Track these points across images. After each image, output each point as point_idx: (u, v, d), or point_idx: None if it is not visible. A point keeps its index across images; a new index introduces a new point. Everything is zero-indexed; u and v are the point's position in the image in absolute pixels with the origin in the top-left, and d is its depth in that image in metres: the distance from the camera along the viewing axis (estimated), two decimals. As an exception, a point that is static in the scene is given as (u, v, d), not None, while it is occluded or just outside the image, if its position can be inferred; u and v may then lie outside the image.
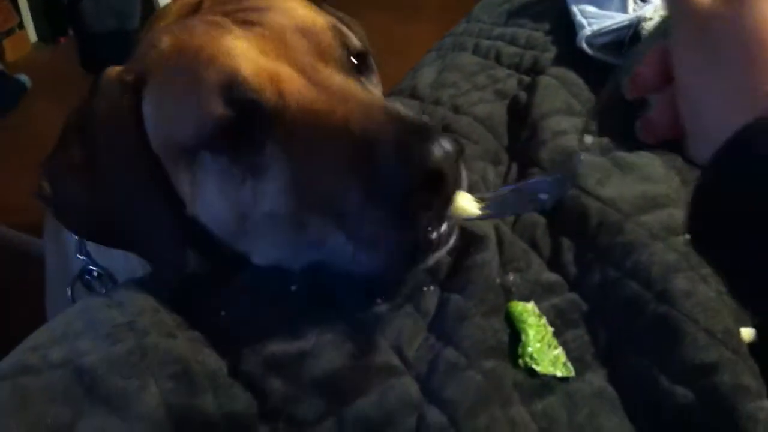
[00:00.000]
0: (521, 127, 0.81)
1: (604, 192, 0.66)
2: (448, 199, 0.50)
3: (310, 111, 0.52)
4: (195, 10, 0.63)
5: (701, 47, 0.38)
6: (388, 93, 0.95)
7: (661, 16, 0.85)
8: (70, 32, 2.54)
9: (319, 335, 0.54)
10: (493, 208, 0.57)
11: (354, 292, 0.57)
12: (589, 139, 0.56)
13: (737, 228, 0.35)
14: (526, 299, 0.58)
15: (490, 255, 0.61)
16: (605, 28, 0.90)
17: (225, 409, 0.50)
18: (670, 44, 0.41)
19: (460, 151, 0.49)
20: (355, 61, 0.60)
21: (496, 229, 0.65)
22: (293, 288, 0.58)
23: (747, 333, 0.54)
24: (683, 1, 0.40)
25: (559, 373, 0.53)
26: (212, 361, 0.53)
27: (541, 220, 0.67)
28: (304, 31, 0.58)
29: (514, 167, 0.77)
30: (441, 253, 0.55)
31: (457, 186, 0.50)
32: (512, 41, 1.01)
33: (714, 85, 0.37)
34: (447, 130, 0.82)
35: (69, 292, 0.72)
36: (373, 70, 0.64)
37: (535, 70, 0.92)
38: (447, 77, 0.95)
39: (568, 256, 0.63)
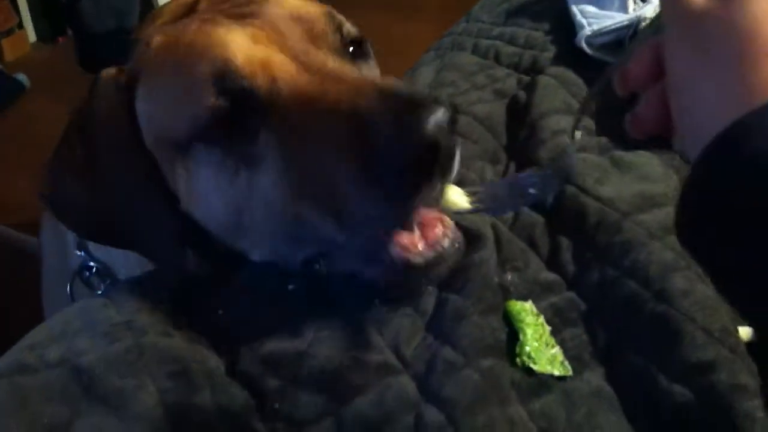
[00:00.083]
0: (520, 126, 0.81)
1: (603, 191, 0.66)
2: (444, 168, 0.49)
3: (303, 95, 0.52)
4: (191, 9, 0.63)
5: (693, 44, 0.39)
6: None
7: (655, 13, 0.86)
8: (69, 32, 2.54)
9: (317, 335, 0.54)
10: (482, 202, 0.56)
11: (352, 292, 0.57)
12: (578, 134, 0.56)
13: (725, 224, 0.35)
14: (524, 298, 0.58)
15: (488, 254, 0.61)
16: (605, 28, 0.90)
17: (223, 408, 0.50)
18: (663, 41, 0.42)
19: (453, 120, 0.48)
20: (352, 48, 0.60)
21: (494, 228, 0.65)
22: (291, 287, 0.58)
23: (745, 332, 0.54)
24: (676, 0, 0.40)
25: (556, 372, 0.53)
26: (210, 360, 0.53)
27: (540, 219, 0.67)
28: (297, 18, 0.58)
29: (513, 166, 0.77)
30: (444, 250, 0.54)
31: (452, 153, 0.49)
32: (511, 41, 1.01)
33: (705, 81, 0.38)
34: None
35: (68, 288, 0.72)
36: (371, 56, 0.64)
37: (534, 69, 0.92)
38: (446, 77, 0.95)
39: (567, 255, 0.63)
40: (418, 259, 0.53)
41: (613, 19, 0.91)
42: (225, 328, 0.56)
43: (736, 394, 0.49)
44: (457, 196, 0.55)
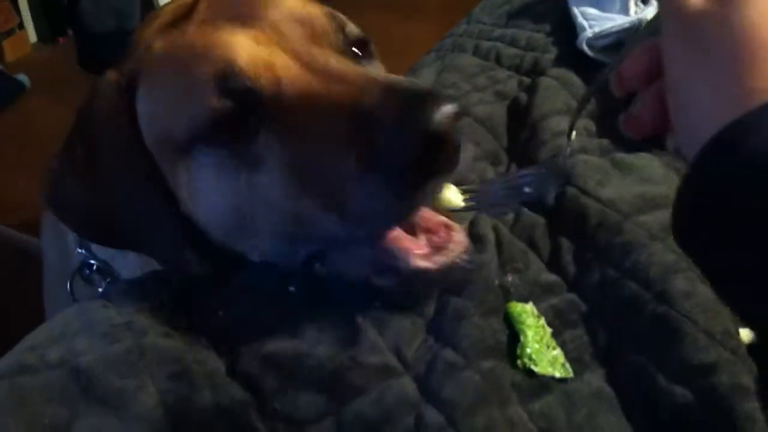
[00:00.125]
0: (521, 128, 0.81)
1: (604, 193, 0.66)
2: (449, 162, 0.48)
3: (306, 94, 0.52)
4: (191, 9, 0.63)
5: (691, 45, 0.39)
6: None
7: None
8: (70, 32, 2.54)
9: (318, 335, 0.54)
10: (477, 200, 0.56)
11: (352, 292, 0.57)
12: (573, 134, 0.56)
13: (721, 225, 0.35)
14: (525, 300, 0.58)
15: (489, 256, 0.61)
16: (606, 30, 0.90)
17: (223, 408, 0.50)
18: (660, 42, 0.42)
19: (459, 114, 0.47)
20: (355, 48, 0.60)
21: (495, 229, 0.65)
22: (292, 289, 0.58)
23: (746, 334, 0.54)
24: (675, 2, 0.41)
25: (557, 374, 0.53)
26: (210, 360, 0.53)
27: (540, 220, 0.67)
28: (298, 19, 0.57)
29: (514, 168, 0.77)
30: (454, 257, 0.53)
31: (457, 148, 0.48)
32: (512, 42, 1.01)
33: (702, 82, 0.38)
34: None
35: (68, 285, 0.72)
36: (375, 56, 0.63)
37: (535, 71, 0.92)
38: (447, 78, 0.95)
39: (567, 256, 0.63)
40: (428, 265, 0.53)
41: (614, 21, 0.91)
42: (225, 328, 0.56)
43: (738, 396, 0.49)
44: (451, 194, 0.55)
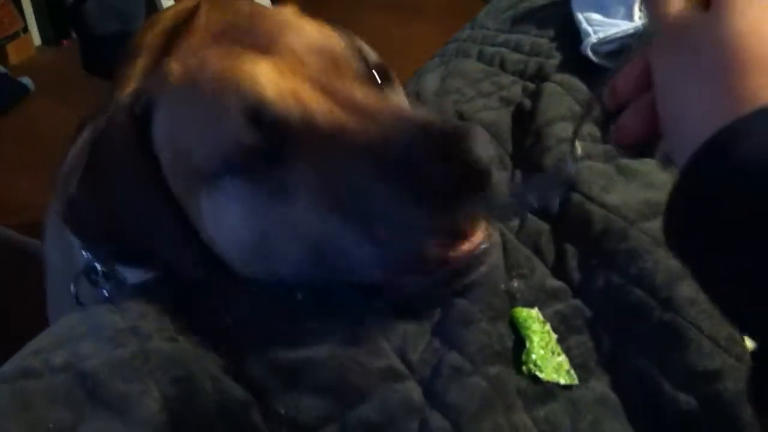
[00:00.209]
0: (525, 133, 0.81)
1: (609, 199, 0.66)
2: (488, 195, 0.49)
3: (337, 129, 0.52)
4: (191, 15, 0.63)
5: (680, 55, 0.40)
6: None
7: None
8: (74, 35, 2.55)
9: (322, 339, 0.54)
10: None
11: (358, 296, 0.57)
12: (579, 146, 0.56)
13: (713, 231, 0.35)
14: (530, 305, 0.58)
15: (495, 260, 0.61)
16: (611, 35, 0.90)
17: (227, 412, 0.50)
18: (650, 52, 0.43)
19: (492, 150, 0.49)
20: (376, 74, 0.60)
21: (501, 234, 0.65)
22: (299, 297, 0.57)
23: (750, 341, 0.54)
24: (663, 11, 0.41)
25: (562, 381, 0.53)
26: (215, 365, 0.53)
27: (545, 226, 0.67)
28: (319, 49, 0.57)
29: (518, 174, 0.77)
30: (484, 269, 0.54)
31: (494, 183, 0.49)
32: (517, 48, 1.01)
33: (692, 90, 0.38)
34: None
35: (73, 289, 0.72)
36: (394, 80, 0.64)
37: (539, 76, 0.92)
38: (451, 84, 0.95)
39: (572, 262, 0.63)
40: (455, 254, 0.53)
41: (619, 27, 0.91)
42: (230, 332, 0.56)
43: (742, 403, 0.49)
44: None
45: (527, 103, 0.86)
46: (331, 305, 0.57)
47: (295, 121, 0.53)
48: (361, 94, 0.55)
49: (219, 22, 0.62)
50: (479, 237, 0.54)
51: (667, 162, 0.46)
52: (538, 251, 0.65)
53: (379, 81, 0.61)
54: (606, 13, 0.95)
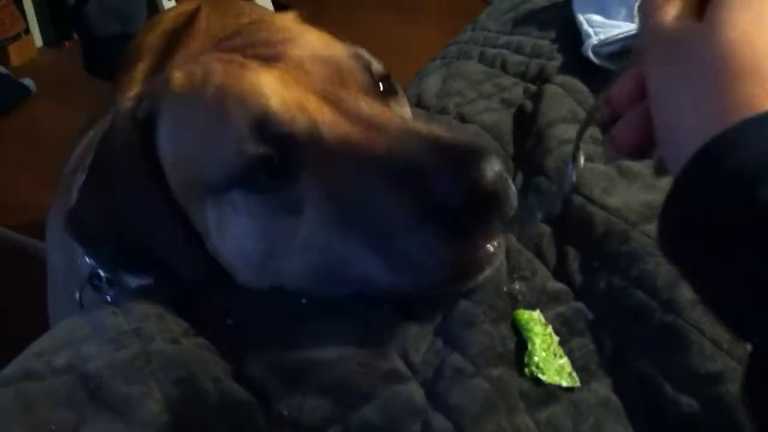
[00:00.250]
0: (527, 135, 0.81)
1: (610, 201, 0.66)
2: (500, 216, 0.50)
3: (346, 142, 0.52)
4: (191, 18, 0.63)
5: (672, 64, 0.40)
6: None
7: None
8: (75, 36, 2.55)
9: (326, 340, 0.54)
10: None
11: (361, 298, 0.57)
12: (582, 158, 0.56)
13: (706, 238, 0.35)
14: (532, 307, 0.58)
15: (499, 260, 0.61)
16: (612, 37, 0.90)
17: (229, 414, 0.50)
18: (644, 61, 0.43)
19: (505, 166, 0.49)
20: (381, 85, 0.60)
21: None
22: (303, 301, 0.58)
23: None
24: (655, 22, 0.42)
25: (564, 383, 0.53)
26: (218, 367, 0.53)
27: (547, 229, 0.67)
28: (323, 60, 0.57)
29: (520, 176, 0.77)
30: (489, 271, 0.54)
31: (506, 200, 0.50)
32: (518, 49, 1.01)
33: (685, 99, 0.39)
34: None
35: (77, 296, 0.72)
36: (398, 91, 0.63)
37: (541, 78, 0.92)
38: (452, 85, 0.95)
39: (574, 265, 0.63)
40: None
41: (620, 28, 0.91)
42: (233, 334, 0.56)
43: (744, 406, 0.49)
44: None
45: (528, 104, 0.86)
46: (334, 306, 0.57)
47: (301, 133, 0.53)
48: (366, 105, 0.54)
49: (220, 26, 0.62)
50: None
51: (659, 171, 0.46)
52: (539, 253, 0.65)
53: (384, 92, 0.60)
54: (607, 14, 0.95)
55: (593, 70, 0.90)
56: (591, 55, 0.90)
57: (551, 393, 0.53)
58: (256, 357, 0.54)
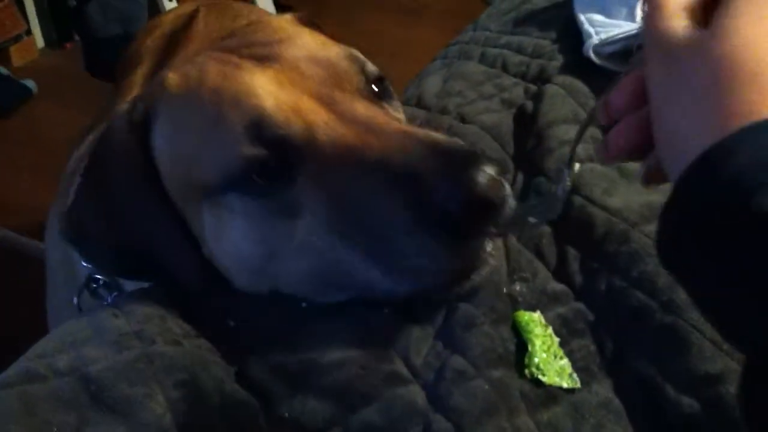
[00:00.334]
0: (527, 136, 0.81)
1: (610, 202, 0.66)
2: (497, 221, 0.50)
3: (342, 144, 0.52)
4: (190, 20, 0.63)
5: (674, 72, 0.40)
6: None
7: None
8: (77, 37, 2.55)
9: (327, 342, 0.54)
10: None
11: (362, 300, 0.57)
12: (577, 165, 0.56)
13: (704, 244, 0.36)
14: (532, 309, 0.58)
15: (498, 263, 0.61)
16: (613, 37, 0.90)
17: (231, 415, 0.50)
18: (645, 69, 0.43)
19: (502, 172, 0.49)
20: (375, 88, 0.60)
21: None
22: (303, 305, 0.58)
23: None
24: (657, 30, 0.42)
25: (565, 385, 0.53)
26: (219, 368, 0.53)
27: (547, 229, 0.67)
28: (318, 61, 0.57)
29: (520, 176, 0.77)
30: (485, 273, 0.54)
31: (504, 205, 0.50)
32: (519, 50, 1.01)
33: (685, 107, 0.39)
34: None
35: (76, 300, 0.72)
36: (393, 94, 0.63)
37: (541, 78, 0.92)
38: (453, 86, 0.95)
39: (574, 265, 0.63)
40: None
41: (621, 28, 0.91)
42: (234, 335, 0.56)
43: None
44: None
45: (529, 105, 0.86)
46: (335, 308, 0.57)
47: (296, 135, 0.53)
48: (362, 107, 0.54)
49: (218, 28, 0.62)
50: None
51: (648, 180, 0.46)
52: (539, 254, 0.65)
53: (380, 95, 0.60)
54: (608, 14, 0.95)
55: (594, 71, 0.89)
56: (592, 55, 0.90)
57: (552, 394, 0.53)
58: (257, 358, 0.54)
